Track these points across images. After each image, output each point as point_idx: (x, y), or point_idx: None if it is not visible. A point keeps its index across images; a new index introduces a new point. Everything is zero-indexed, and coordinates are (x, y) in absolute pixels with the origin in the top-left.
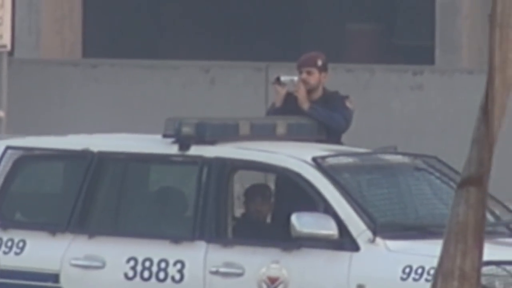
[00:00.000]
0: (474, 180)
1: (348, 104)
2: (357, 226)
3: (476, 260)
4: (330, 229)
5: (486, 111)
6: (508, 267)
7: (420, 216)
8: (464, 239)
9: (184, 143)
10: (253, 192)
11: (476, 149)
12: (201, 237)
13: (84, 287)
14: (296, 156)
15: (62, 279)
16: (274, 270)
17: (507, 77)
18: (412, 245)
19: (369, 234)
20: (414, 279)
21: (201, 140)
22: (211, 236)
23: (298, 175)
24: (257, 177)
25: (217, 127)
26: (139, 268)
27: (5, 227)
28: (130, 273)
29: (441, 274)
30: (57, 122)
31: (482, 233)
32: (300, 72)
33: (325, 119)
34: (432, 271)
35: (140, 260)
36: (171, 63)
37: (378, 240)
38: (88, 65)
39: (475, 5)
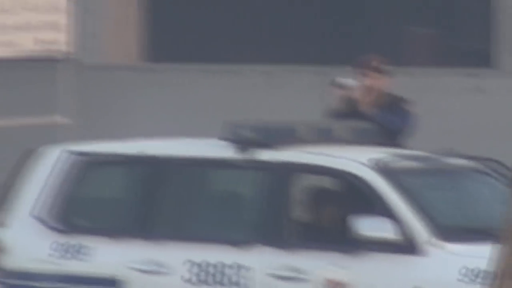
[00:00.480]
0: None
1: (407, 107)
2: (417, 229)
3: None
4: (390, 232)
5: None
6: None
7: (481, 219)
8: None
9: (244, 147)
10: (313, 195)
11: None
12: (261, 241)
13: None
14: (357, 159)
15: (123, 283)
16: (334, 273)
17: None
18: (473, 248)
19: (429, 237)
20: (474, 282)
21: (261, 144)
22: (271, 240)
23: (359, 178)
24: (317, 181)
25: (277, 131)
26: (199, 272)
27: (68, 233)
28: (191, 278)
29: (499, 275)
30: (120, 127)
31: None
32: (360, 75)
33: (385, 122)
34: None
35: (200, 264)
36: (233, 67)
37: (439, 243)
38: (150, 70)
39: None
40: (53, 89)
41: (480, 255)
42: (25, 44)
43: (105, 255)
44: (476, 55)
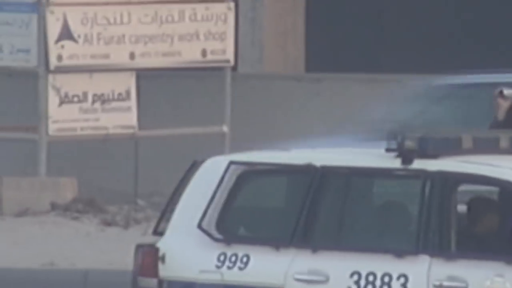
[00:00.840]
0: None
1: None
2: None
3: None
4: None
5: None
6: None
7: None
8: None
9: (407, 157)
10: (477, 205)
11: None
12: (424, 251)
13: None
14: None
15: None
16: (498, 283)
17: None
18: None
19: None
20: None
21: (424, 154)
22: (434, 250)
23: None
24: (482, 191)
25: (439, 141)
26: (362, 282)
27: (229, 242)
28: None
29: None
30: (280, 137)
31: None
32: None
33: None
34: None
35: (363, 274)
36: (394, 76)
37: None
38: (312, 80)
39: None
40: (220, 99)
41: None
42: (192, 54)
43: (269, 265)
44: None
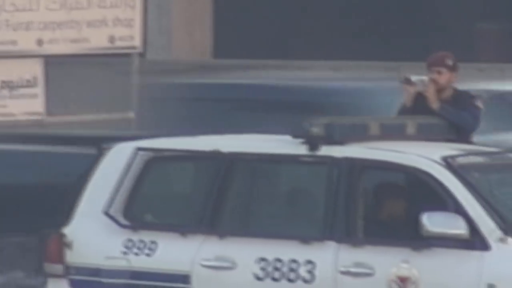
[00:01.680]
0: None
1: (478, 103)
2: (487, 226)
3: None
4: (460, 228)
5: None
6: None
7: None
8: None
9: (313, 144)
10: (383, 192)
11: None
12: (331, 237)
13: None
14: (426, 156)
15: (193, 280)
16: (404, 270)
17: None
18: None
19: (499, 233)
20: None
21: (331, 140)
22: (341, 236)
23: (428, 175)
24: (387, 177)
25: (346, 127)
26: (269, 268)
27: (136, 229)
28: (261, 274)
29: None
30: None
31: None
32: (430, 72)
33: (455, 118)
34: None
35: (270, 260)
36: (301, 63)
37: (509, 239)
38: (217, 67)
39: None
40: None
41: None
42: (100, 40)
43: (176, 251)
44: None
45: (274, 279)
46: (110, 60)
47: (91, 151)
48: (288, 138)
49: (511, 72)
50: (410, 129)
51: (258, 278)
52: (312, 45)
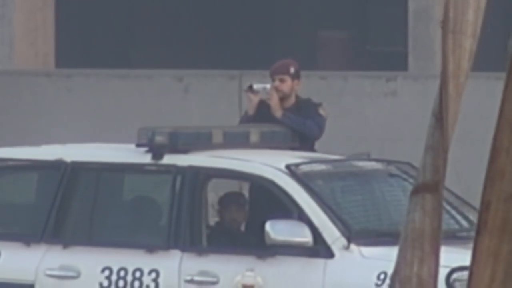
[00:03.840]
0: (430, 187)
1: (321, 111)
2: (331, 233)
3: (433, 267)
4: (304, 236)
5: (439, 118)
6: None
7: (394, 222)
8: (420, 246)
9: (157, 152)
10: (227, 200)
11: (431, 156)
12: (175, 246)
13: None
14: (270, 164)
15: None
16: (249, 278)
17: (460, 83)
18: (387, 251)
19: (343, 241)
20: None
21: (174, 149)
22: (185, 245)
23: (272, 183)
24: (231, 186)
25: (190, 136)
26: (114, 277)
27: None
28: (105, 283)
29: (399, 281)
30: (31, 133)
31: (438, 239)
32: (273, 80)
33: (298, 127)
34: None
35: (115, 269)
36: (145, 72)
37: (353, 246)
38: (62, 76)
39: None
40: None
41: (393, 258)
42: None
43: (20, 261)
44: (390, 58)
45: None
46: None
47: None
48: (132, 146)
49: (354, 79)
50: (254, 137)
51: (103, 287)
52: (154, 53)
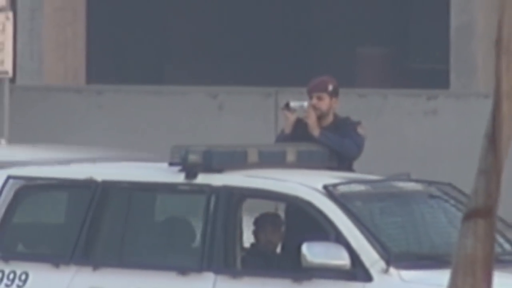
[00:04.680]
0: (482, 212)
1: (359, 130)
2: (370, 256)
3: None
4: (342, 259)
5: (493, 139)
6: None
7: (434, 245)
8: (472, 273)
9: (191, 171)
10: (263, 221)
11: (483, 180)
12: (209, 268)
13: None
14: (307, 184)
15: None
16: None
17: None
18: (427, 275)
19: (382, 264)
20: None
21: (208, 168)
22: (219, 267)
23: (309, 204)
24: (266, 206)
25: (224, 155)
26: None
27: (7, 259)
28: None
29: None
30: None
31: (491, 266)
32: (310, 98)
33: (336, 146)
34: None
35: None
36: (178, 88)
37: (392, 270)
38: (92, 92)
39: (490, 26)
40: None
41: (436, 282)
42: None
43: (48, 283)
44: (431, 76)
45: None
46: None
47: None
48: (164, 165)
49: (393, 97)
50: (290, 156)
51: None
52: (188, 69)
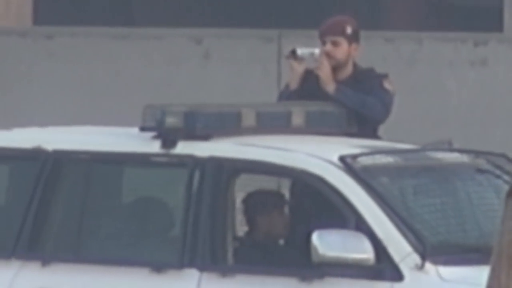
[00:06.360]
0: None
1: (386, 85)
2: (399, 248)
3: None
4: (363, 251)
5: None
6: None
7: (483, 233)
8: None
9: (168, 139)
10: (261, 203)
11: None
12: (192, 264)
13: None
14: (318, 155)
15: None
16: None
17: None
18: (473, 273)
19: (416, 258)
20: None
21: (191, 134)
22: (205, 263)
23: (321, 180)
24: (266, 183)
25: (212, 117)
26: None
27: None
28: None
29: None
30: (0, 109)
31: None
32: (323, 43)
33: (357, 105)
34: None
35: None
36: (151, 31)
37: (428, 266)
38: (41, 35)
39: None
40: None
41: (481, 281)
42: None
43: None
44: (479, 16)
45: None
46: None
47: None
48: (135, 130)
49: (430, 43)
50: (297, 119)
51: None
52: (163, 6)
